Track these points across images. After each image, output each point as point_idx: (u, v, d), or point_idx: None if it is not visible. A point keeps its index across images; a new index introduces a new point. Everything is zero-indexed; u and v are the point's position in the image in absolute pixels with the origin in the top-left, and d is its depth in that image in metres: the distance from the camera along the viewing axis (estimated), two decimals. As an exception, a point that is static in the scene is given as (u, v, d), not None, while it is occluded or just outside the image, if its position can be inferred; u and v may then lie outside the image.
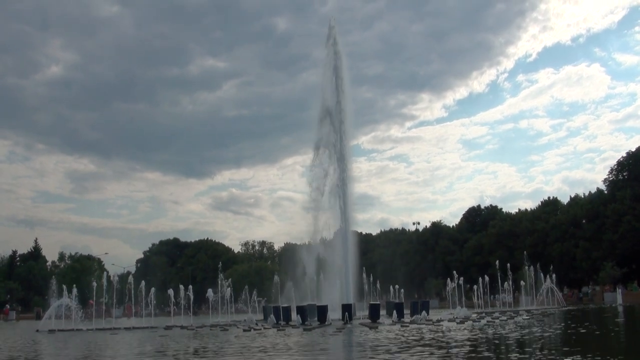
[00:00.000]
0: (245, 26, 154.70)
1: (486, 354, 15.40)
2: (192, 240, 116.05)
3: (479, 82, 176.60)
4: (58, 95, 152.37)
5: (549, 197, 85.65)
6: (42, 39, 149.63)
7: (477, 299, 51.75)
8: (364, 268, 46.47)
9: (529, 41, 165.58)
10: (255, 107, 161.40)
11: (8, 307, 74.70)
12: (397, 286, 48.25)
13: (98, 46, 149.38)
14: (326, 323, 32.04)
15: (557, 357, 13.70)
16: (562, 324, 26.35)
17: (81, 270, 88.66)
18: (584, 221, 72.18)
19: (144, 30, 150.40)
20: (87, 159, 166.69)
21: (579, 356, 13.45)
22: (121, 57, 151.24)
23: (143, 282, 43.35)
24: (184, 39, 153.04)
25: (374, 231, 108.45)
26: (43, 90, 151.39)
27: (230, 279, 52.74)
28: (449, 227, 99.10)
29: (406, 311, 37.28)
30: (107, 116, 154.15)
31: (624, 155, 71.49)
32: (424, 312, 35.44)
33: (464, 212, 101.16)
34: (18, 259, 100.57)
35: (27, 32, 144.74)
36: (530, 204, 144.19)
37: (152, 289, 43.15)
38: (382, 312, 36.96)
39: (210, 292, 43.42)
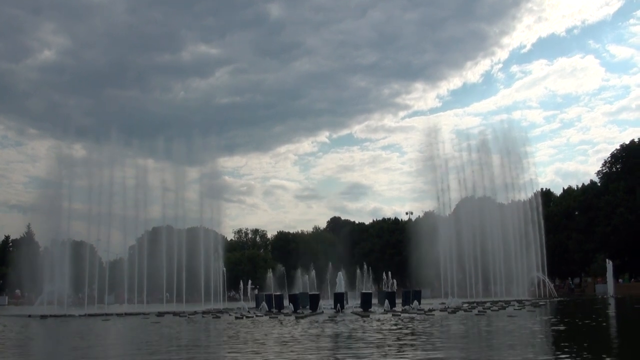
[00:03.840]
0: (238, 13, 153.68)
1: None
2: (185, 228, 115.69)
3: (473, 72, 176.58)
4: (50, 81, 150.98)
5: (542, 189, 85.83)
6: (34, 23, 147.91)
7: (470, 289, 51.92)
8: (356, 257, 46.58)
9: (523, 32, 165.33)
10: (248, 94, 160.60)
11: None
12: (389, 275, 48.39)
13: (90, 31, 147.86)
14: (318, 311, 32.12)
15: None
16: (551, 315, 26.46)
17: (74, 256, 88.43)
18: (576, 213, 72.47)
19: (136, 16, 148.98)
20: (79, 144, 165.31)
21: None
22: (113, 43, 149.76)
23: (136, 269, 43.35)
24: (177, 25, 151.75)
25: (367, 220, 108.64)
26: (35, 75, 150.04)
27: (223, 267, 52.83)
28: (441, 217, 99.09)
29: (398, 300, 37.39)
30: (99, 102, 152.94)
31: (618, 147, 71.76)
32: (415, 302, 35.55)
33: (457, 203, 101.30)
34: (11, 244, 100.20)
35: (19, 16, 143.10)
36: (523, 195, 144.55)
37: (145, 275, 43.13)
38: (375, 301, 37.05)
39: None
